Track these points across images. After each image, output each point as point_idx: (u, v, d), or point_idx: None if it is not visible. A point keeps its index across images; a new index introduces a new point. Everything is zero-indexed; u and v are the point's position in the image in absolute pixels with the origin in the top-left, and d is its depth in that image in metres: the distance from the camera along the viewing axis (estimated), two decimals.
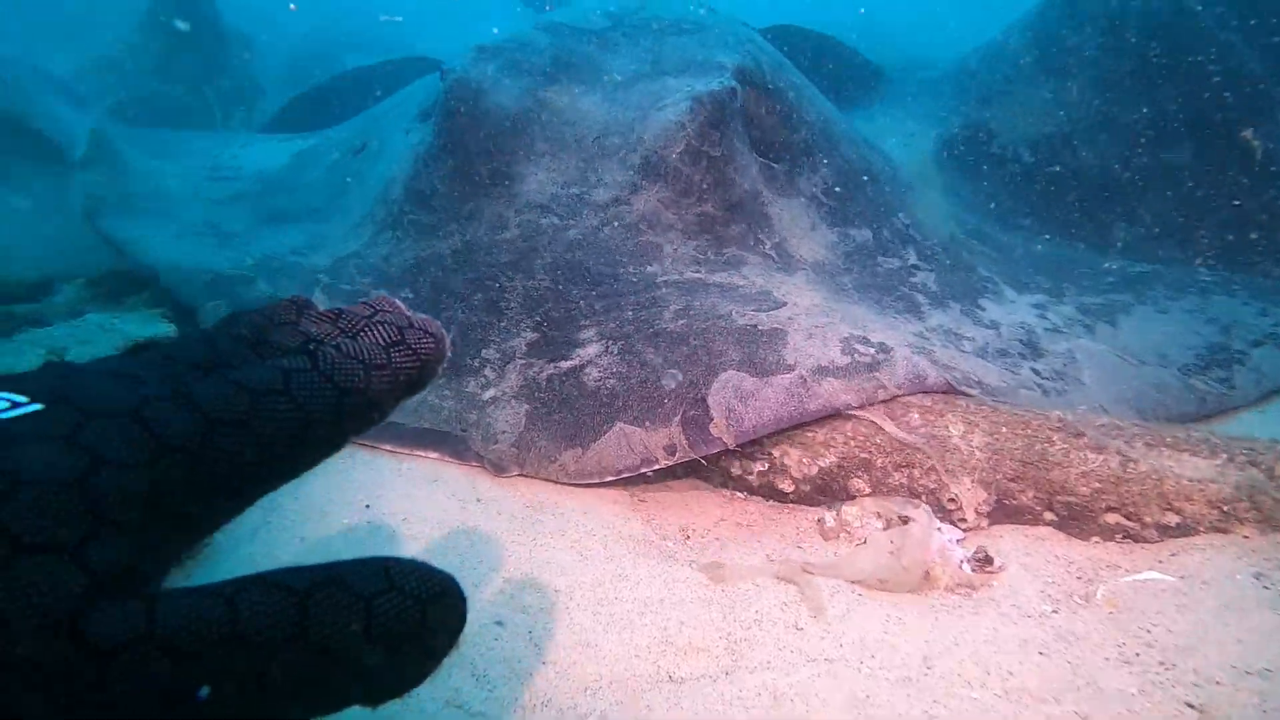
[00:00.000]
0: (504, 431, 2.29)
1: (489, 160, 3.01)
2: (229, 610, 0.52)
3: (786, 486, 2.23)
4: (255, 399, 0.63)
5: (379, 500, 2.17)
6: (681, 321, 2.47)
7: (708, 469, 2.35)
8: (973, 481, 2.06)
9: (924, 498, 2.10)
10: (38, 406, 0.58)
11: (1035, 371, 2.66)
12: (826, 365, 2.30)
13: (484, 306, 2.62)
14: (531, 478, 2.27)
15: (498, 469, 2.26)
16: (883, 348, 2.39)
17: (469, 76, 3.19)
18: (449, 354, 0.81)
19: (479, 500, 2.21)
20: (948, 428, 2.13)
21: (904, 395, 2.26)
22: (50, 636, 0.46)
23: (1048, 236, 3.83)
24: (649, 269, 2.70)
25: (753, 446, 2.25)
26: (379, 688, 0.59)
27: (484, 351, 2.50)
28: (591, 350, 2.43)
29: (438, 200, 3.02)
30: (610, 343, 2.44)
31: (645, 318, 2.50)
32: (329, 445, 0.69)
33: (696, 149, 2.90)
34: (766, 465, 2.25)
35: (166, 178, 4.12)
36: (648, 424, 2.20)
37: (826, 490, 2.20)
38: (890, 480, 2.13)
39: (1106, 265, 3.55)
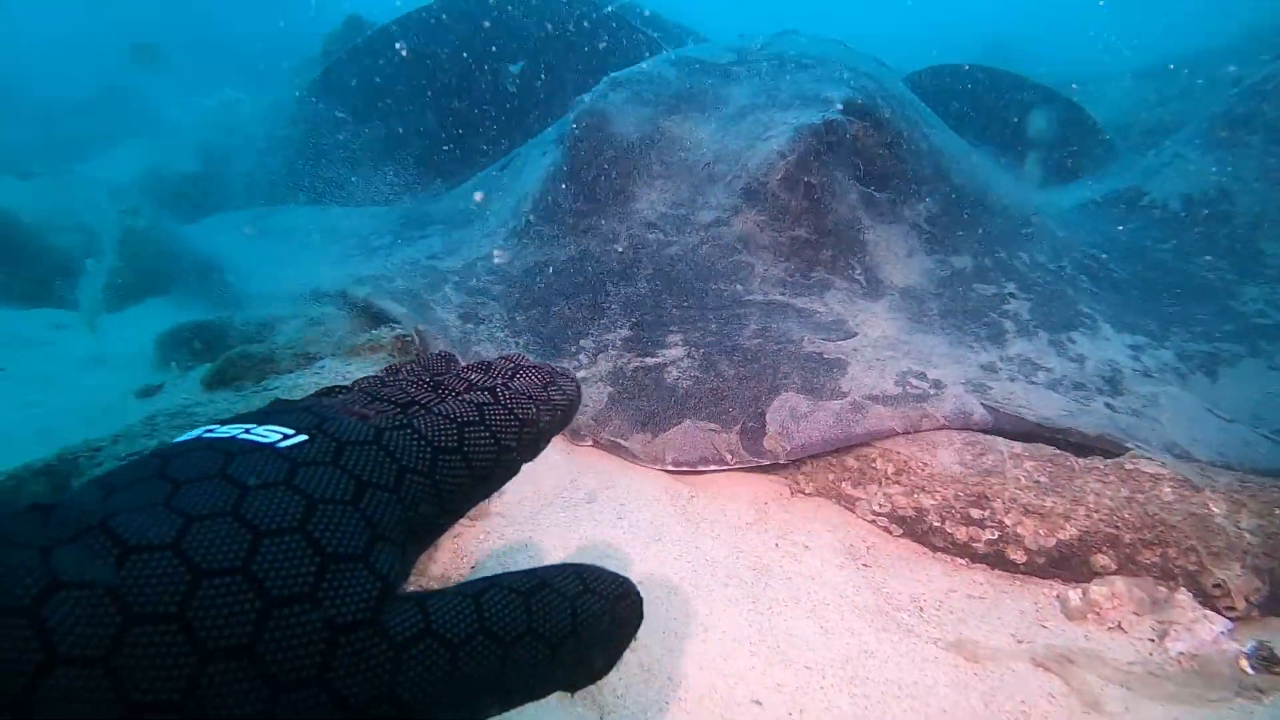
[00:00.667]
0: (586, 406, 2.58)
1: (608, 180, 3.34)
2: (477, 609, 0.65)
3: (1018, 557, 2.16)
4: (462, 429, 0.75)
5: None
6: (757, 340, 2.72)
7: (929, 532, 2.28)
8: (1243, 567, 1.94)
9: (1180, 580, 2.03)
10: (304, 437, 0.68)
11: (1109, 406, 2.65)
12: (878, 395, 2.51)
13: (588, 305, 2.98)
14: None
15: (574, 435, 2.57)
16: (937, 384, 2.57)
17: (596, 106, 3.55)
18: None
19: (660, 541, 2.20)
20: (1207, 505, 2.07)
21: (950, 427, 2.43)
22: (367, 631, 0.57)
23: (1183, 268, 3.70)
24: (738, 287, 2.96)
25: (979, 511, 2.20)
26: (578, 675, 0.71)
27: (581, 342, 2.85)
28: (675, 353, 2.72)
29: (560, 213, 3.38)
30: (693, 349, 2.72)
31: (726, 332, 2.77)
32: (512, 469, 0.80)
33: (795, 177, 3.12)
34: (997, 534, 2.19)
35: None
36: (713, 426, 2.46)
37: (1064, 564, 2.13)
38: (1140, 558, 2.03)
39: (1236, 307, 3.36)
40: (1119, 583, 2.01)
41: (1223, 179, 4.03)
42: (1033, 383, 2.72)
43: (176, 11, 12.67)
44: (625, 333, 2.83)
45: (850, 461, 2.43)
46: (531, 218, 3.46)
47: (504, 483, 0.81)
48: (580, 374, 2.72)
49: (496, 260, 3.37)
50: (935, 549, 2.29)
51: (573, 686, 0.72)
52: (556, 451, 2.52)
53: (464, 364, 0.93)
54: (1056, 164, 5.32)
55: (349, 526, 0.62)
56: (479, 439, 0.76)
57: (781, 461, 2.39)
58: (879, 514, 2.36)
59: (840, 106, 3.36)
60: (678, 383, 2.60)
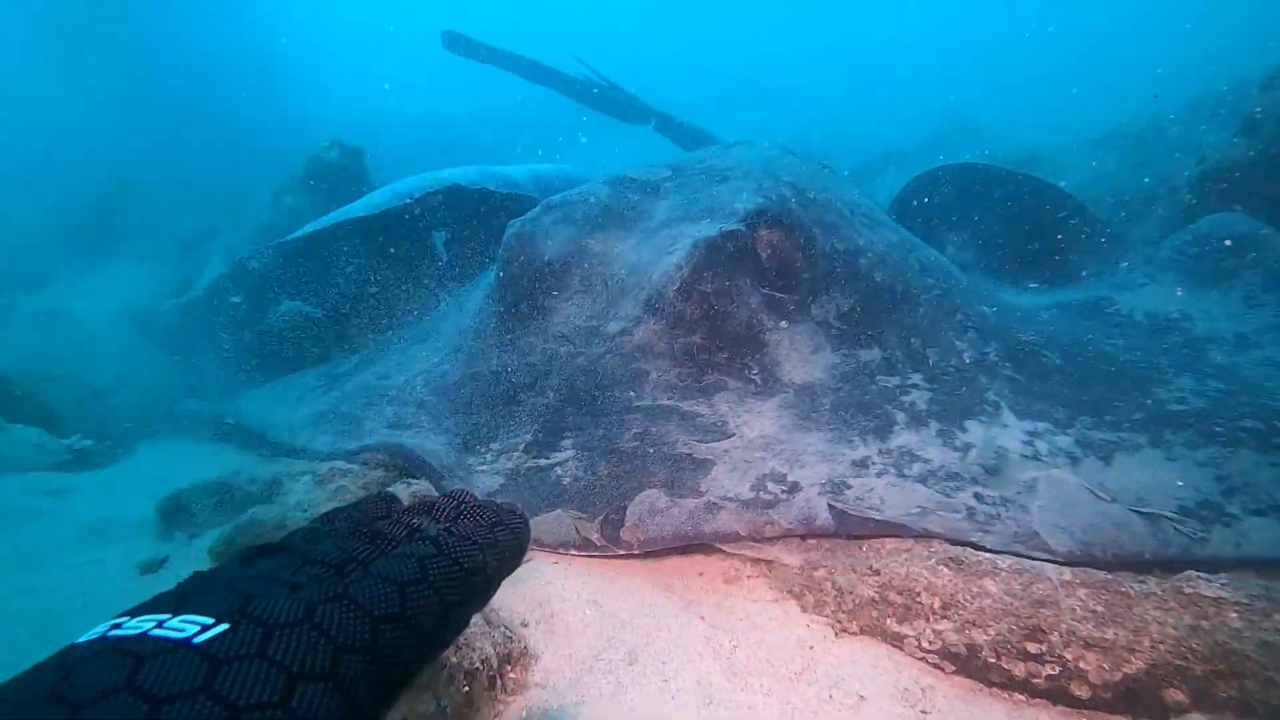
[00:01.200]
0: (477, 489, 2.86)
1: (531, 297, 3.66)
2: None
3: (1082, 692, 2.07)
4: (403, 591, 0.70)
5: None
6: (634, 443, 2.95)
7: (984, 668, 2.18)
8: None
9: (1263, 714, 1.96)
10: (225, 626, 0.62)
11: (976, 496, 2.68)
12: (731, 497, 2.66)
13: (500, 413, 3.29)
14: None
15: None
16: (793, 487, 2.70)
17: (525, 229, 3.87)
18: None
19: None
20: None
21: (794, 534, 2.57)
22: None
23: (1123, 359, 3.65)
24: (631, 393, 3.19)
25: (1036, 645, 2.11)
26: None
27: (490, 444, 3.15)
28: (565, 455, 2.98)
29: (488, 331, 3.73)
30: (580, 452, 2.97)
31: (610, 436, 3.01)
32: (462, 624, 0.76)
33: (689, 287, 3.35)
34: (1057, 669, 2.10)
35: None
36: (581, 515, 2.70)
37: (1134, 698, 2.05)
38: (1216, 692, 1.98)
39: (1160, 394, 3.29)
40: None
41: (1187, 306, 4.10)
42: (903, 476, 2.79)
43: (160, 135, 12.72)
44: (528, 438, 3.10)
45: (894, 597, 2.35)
46: (467, 335, 3.81)
47: (456, 637, 0.78)
48: (481, 468, 3.03)
49: (433, 375, 3.75)
50: (992, 684, 2.19)
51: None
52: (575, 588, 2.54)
53: (405, 504, 0.90)
54: (1065, 267, 5.15)
55: None
56: (423, 599, 0.72)
57: (636, 552, 2.58)
58: (929, 650, 2.26)
59: (741, 217, 3.56)
60: (559, 480, 2.87)
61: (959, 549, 2.40)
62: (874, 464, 2.86)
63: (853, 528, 2.56)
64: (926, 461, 2.87)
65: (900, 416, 3.14)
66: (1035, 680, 2.11)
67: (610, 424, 3.07)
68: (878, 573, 2.41)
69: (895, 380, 3.36)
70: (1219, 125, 7.58)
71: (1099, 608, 2.12)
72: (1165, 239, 4.84)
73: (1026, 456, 2.91)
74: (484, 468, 3.03)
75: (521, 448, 3.06)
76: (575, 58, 9.23)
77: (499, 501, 0.92)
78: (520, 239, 3.82)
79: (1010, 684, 2.15)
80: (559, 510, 2.74)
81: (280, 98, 16.35)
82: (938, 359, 3.52)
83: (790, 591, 2.52)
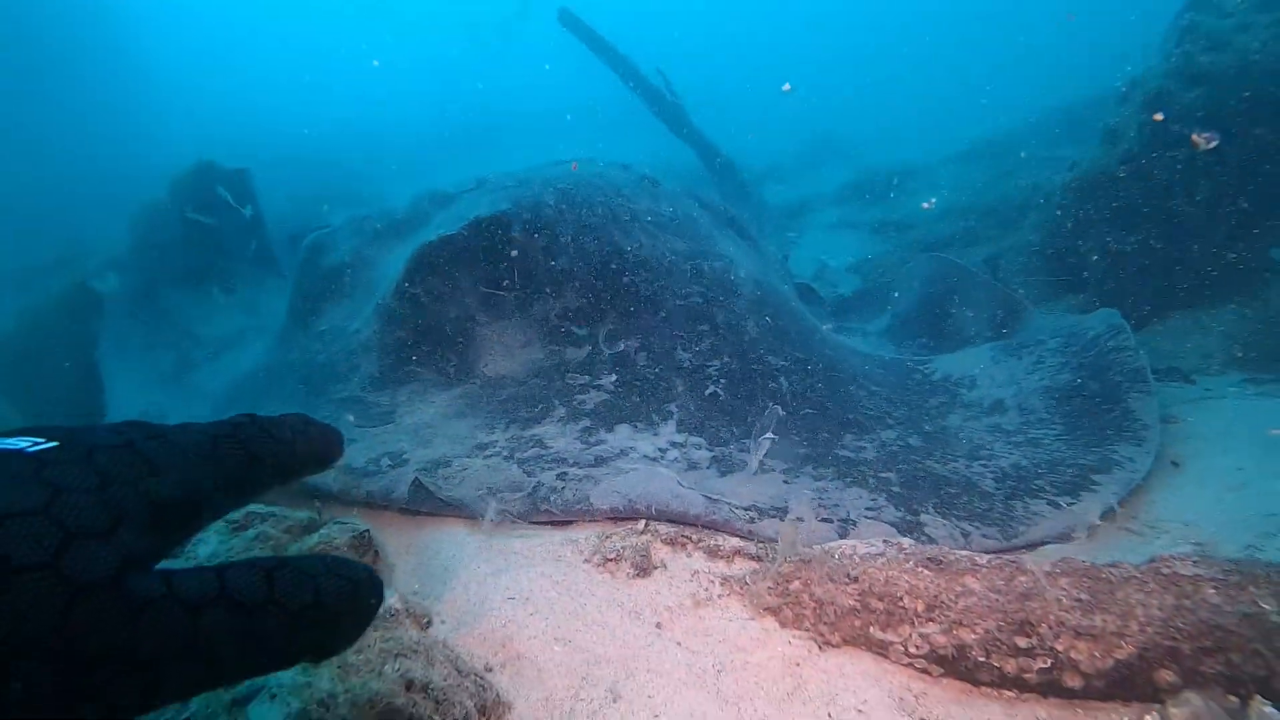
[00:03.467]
0: None
1: (309, 301, 4.13)
2: (219, 579, 0.74)
3: (1075, 683, 2.05)
4: (215, 440, 0.93)
5: None
6: None
7: (974, 668, 2.13)
8: None
9: (1254, 687, 1.98)
10: (55, 444, 0.80)
11: (559, 475, 2.87)
12: (343, 465, 3.01)
13: (263, 394, 3.81)
14: None
15: None
16: (400, 462, 3.01)
17: (318, 240, 4.38)
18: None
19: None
20: (1257, 603, 2.05)
21: (376, 500, 2.90)
22: (103, 592, 0.67)
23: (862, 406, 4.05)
24: (336, 386, 3.59)
25: (1026, 639, 2.08)
26: (321, 648, 0.81)
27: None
28: None
29: (282, 330, 4.28)
30: None
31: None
32: (261, 482, 0.98)
33: (403, 289, 3.70)
34: (1049, 662, 2.07)
35: None
36: None
37: (1127, 684, 2.04)
38: (1203, 668, 2.00)
39: (835, 445, 3.51)
40: (1195, 700, 1.92)
41: (989, 369, 4.15)
42: (508, 459, 3.02)
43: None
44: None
45: (875, 603, 2.27)
46: (279, 334, 4.38)
47: (258, 491, 0.96)
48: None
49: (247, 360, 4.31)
50: (981, 684, 2.14)
51: (316, 658, 0.83)
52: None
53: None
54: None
55: (91, 510, 0.73)
56: (231, 449, 0.93)
57: None
58: (916, 655, 2.19)
59: (468, 223, 3.83)
60: None
61: (936, 549, 2.36)
62: (494, 447, 3.11)
63: (422, 501, 2.82)
64: (545, 448, 3.09)
65: (560, 411, 3.34)
66: (1027, 675, 2.07)
67: (309, 409, 3.41)
68: (856, 580, 2.33)
69: (584, 379, 3.53)
70: (1074, 138, 8.15)
71: (1083, 595, 2.11)
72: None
73: (646, 456, 3.07)
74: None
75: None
76: (657, 69, 9.65)
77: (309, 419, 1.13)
78: (310, 249, 4.32)
79: (1002, 681, 2.10)
80: None
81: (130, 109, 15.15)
82: (646, 364, 3.63)
83: (766, 608, 2.41)
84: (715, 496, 2.79)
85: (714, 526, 2.69)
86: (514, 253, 3.85)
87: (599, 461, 3.01)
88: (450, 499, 2.80)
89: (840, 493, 2.95)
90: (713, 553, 2.62)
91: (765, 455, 3.13)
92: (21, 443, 0.79)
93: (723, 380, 3.60)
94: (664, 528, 2.69)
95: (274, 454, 0.96)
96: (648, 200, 4.61)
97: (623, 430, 3.25)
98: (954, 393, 3.94)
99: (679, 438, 3.23)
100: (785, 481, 3.02)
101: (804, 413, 3.53)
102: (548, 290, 3.83)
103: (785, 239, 8.35)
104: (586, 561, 2.57)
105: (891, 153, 11.09)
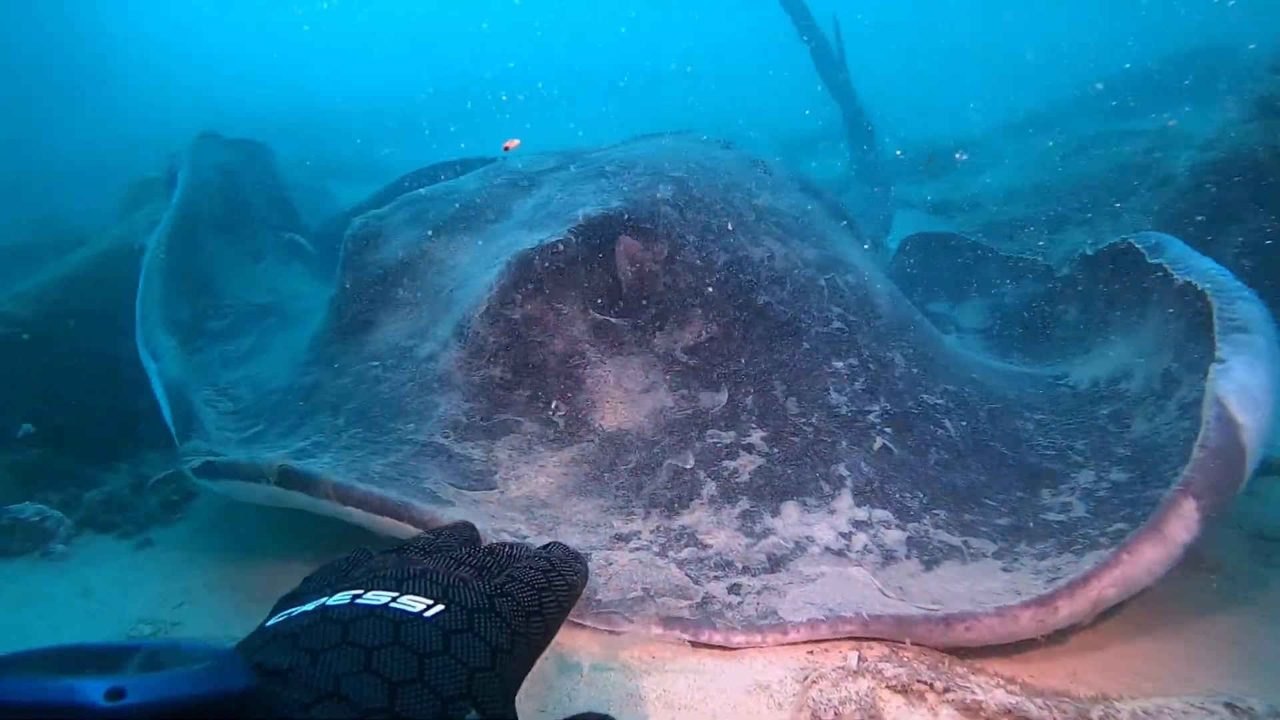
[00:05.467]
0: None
1: (360, 309, 3.29)
2: None
3: None
4: (541, 595, 1.05)
5: None
6: (384, 469, 2.59)
7: None
8: None
9: None
10: (442, 607, 0.93)
11: (731, 588, 2.28)
12: None
13: (296, 425, 2.98)
14: None
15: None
16: None
17: (367, 229, 3.48)
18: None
19: None
20: None
21: None
22: None
23: (1033, 442, 3.06)
24: (409, 425, 2.81)
25: None
26: None
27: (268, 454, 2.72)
28: (321, 460, 2.56)
29: (323, 340, 3.36)
30: (334, 460, 2.60)
31: (364, 459, 2.63)
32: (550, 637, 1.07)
33: (495, 311, 2.91)
34: None
35: None
36: None
37: None
38: None
39: (1045, 499, 2.71)
40: None
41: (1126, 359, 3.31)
42: (662, 556, 2.39)
43: None
44: (299, 444, 2.80)
45: None
46: (309, 347, 3.43)
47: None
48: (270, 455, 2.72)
49: (271, 380, 3.40)
50: None
51: None
52: None
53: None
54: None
55: (495, 691, 0.88)
56: (550, 603, 1.04)
57: None
58: None
59: (575, 226, 3.03)
60: None
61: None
62: (638, 539, 2.45)
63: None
64: (703, 547, 2.43)
65: (709, 488, 2.65)
66: None
67: (375, 450, 2.72)
68: None
69: (730, 437, 2.81)
70: (1137, 112, 7.49)
71: None
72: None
73: (830, 550, 2.42)
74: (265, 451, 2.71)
75: (288, 451, 2.75)
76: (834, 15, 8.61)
77: (556, 544, 1.18)
78: (358, 241, 3.45)
79: None
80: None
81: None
82: (798, 412, 2.92)
83: None
84: (934, 608, 2.12)
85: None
86: (631, 267, 3.06)
87: (774, 565, 2.36)
88: (605, 606, 2.18)
89: (1075, 568, 2.27)
90: (969, 711, 1.89)
91: (968, 531, 2.50)
92: (417, 605, 0.92)
93: (888, 430, 2.90)
94: (889, 668, 1.97)
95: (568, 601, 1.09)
96: (768, 194, 3.81)
97: (790, 511, 2.58)
98: (1119, 393, 3.19)
99: (861, 513, 2.57)
100: (1005, 570, 2.36)
101: (983, 465, 2.87)
102: (672, 317, 3.06)
103: None
104: None
105: (934, 124, 10.34)
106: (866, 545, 2.44)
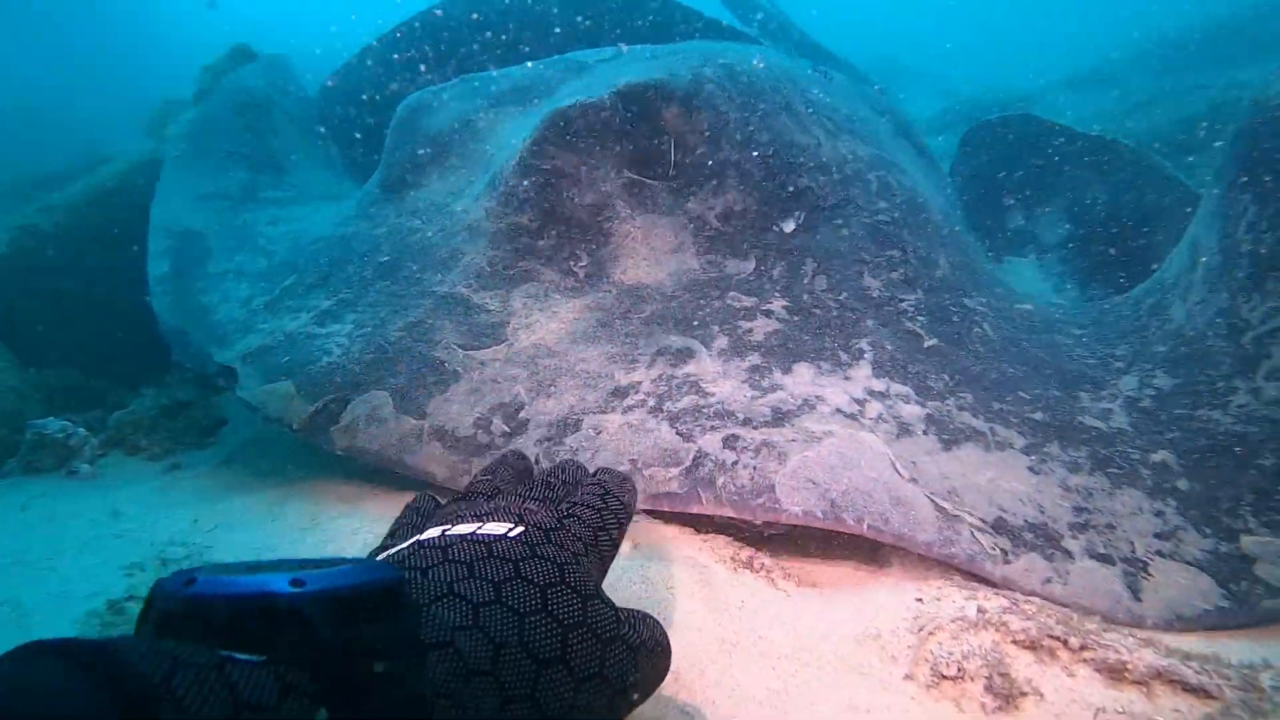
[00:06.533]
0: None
1: (406, 170, 3.37)
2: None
3: None
4: (603, 515, 1.19)
5: None
6: (401, 335, 2.67)
7: None
8: None
9: None
10: (522, 528, 1.08)
11: (727, 440, 2.16)
12: (448, 431, 2.37)
13: (325, 273, 3.09)
14: None
15: None
16: (519, 427, 2.36)
17: (420, 101, 3.57)
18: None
19: None
20: None
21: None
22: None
23: (1076, 351, 2.85)
24: (435, 276, 2.86)
25: None
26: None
27: (297, 303, 2.99)
28: (344, 327, 2.78)
29: (367, 199, 3.45)
30: (355, 328, 2.75)
31: (385, 319, 2.75)
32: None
33: (528, 162, 2.91)
34: None
35: None
36: (294, 396, 2.54)
37: None
38: None
39: (1085, 400, 2.49)
40: None
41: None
42: (656, 411, 2.31)
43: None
44: (324, 305, 2.90)
45: None
46: (355, 203, 3.53)
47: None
48: (262, 326, 2.92)
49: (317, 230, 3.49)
50: None
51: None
52: None
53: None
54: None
55: (584, 575, 1.03)
56: (610, 521, 1.18)
57: (338, 451, 2.42)
58: None
59: (616, 89, 2.99)
60: (314, 353, 2.67)
61: None
62: (637, 393, 2.39)
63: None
64: (705, 395, 2.34)
65: (721, 341, 2.57)
66: None
67: (398, 306, 2.79)
68: None
69: (750, 302, 2.73)
70: (1193, 67, 7.15)
71: None
72: None
73: (841, 412, 2.28)
74: (264, 326, 2.90)
75: (311, 313, 2.88)
76: None
77: (605, 469, 1.33)
78: (410, 109, 3.53)
79: None
80: (286, 380, 2.57)
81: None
82: (826, 288, 2.82)
83: None
84: (947, 505, 1.98)
85: (950, 562, 1.92)
86: (669, 132, 3.00)
87: (779, 418, 2.23)
88: None
89: (1109, 499, 2.11)
90: (1112, 673, 1.56)
91: (995, 418, 2.35)
92: (500, 528, 1.08)
93: (921, 318, 2.77)
94: (1015, 620, 1.67)
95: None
96: (822, 93, 3.71)
97: (803, 371, 2.46)
98: (1158, 282, 2.97)
99: (879, 384, 2.44)
100: (1031, 469, 2.19)
101: (1019, 363, 2.71)
102: (709, 184, 2.99)
103: None
104: (909, 678, 1.61)
105: (988, 81, 10.02)
106: (881, 414, 2.31)
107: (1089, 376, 2.67)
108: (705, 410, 2.28)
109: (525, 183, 2.89)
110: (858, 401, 2.34)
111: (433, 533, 1.08)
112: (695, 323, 2.65)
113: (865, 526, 1.92)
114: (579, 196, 2.90)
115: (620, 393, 2.40)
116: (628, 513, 1.24)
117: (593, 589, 1.02)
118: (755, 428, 2.20)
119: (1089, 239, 4.17)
